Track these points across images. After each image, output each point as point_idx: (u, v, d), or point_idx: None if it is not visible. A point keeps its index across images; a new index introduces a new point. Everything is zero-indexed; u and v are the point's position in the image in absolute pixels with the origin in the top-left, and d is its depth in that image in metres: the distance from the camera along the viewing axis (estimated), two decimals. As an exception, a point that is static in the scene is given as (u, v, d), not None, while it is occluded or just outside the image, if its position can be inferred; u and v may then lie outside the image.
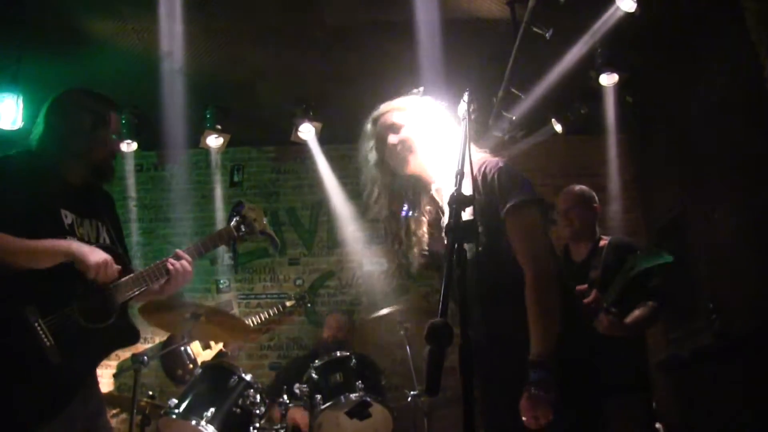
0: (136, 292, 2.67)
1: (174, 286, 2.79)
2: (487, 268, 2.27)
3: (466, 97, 2.21)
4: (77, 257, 2.43)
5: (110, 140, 2.74)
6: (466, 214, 1.86)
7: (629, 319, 3.40)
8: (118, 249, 2.76)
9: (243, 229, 3.17)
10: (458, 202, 1.83)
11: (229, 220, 3.19)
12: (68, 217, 2.61)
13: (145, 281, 2.69)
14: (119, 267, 2.57)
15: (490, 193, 2.35)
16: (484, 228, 2.25)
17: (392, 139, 2.62)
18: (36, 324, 2.37)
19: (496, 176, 2.36)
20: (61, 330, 2.42)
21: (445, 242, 1.79)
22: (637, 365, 3.54)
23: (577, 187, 3.92)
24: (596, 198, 3.91)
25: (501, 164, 2.42)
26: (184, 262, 2.79)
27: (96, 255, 2.47)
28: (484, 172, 2.39)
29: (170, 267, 2.74)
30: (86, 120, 2.67)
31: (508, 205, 2.28)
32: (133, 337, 2.70)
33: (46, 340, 2.37)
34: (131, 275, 2.67)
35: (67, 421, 2.47)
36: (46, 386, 2.39)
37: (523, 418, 2.11)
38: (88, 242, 2.61)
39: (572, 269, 3.74)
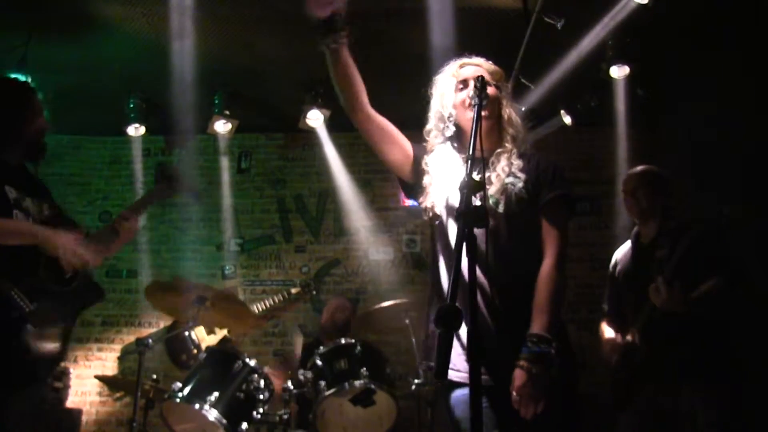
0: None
1: (122, 240, 3.09)
2: (519, 255, 2.33)
3: (478, 82, 2.20)
4: (46, 243, 2.66)
5: (35, 119, 2.94)
6: (476, 200, 1.85)
7: (696, 293, 3.23)
8: (65, 214, 3.05)
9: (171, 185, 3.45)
10: (469, 187, 1.82)
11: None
12: (12, 192, 2.77)
13: (100, 242, 2.96)
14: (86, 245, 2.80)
15: (537, 178, 2.43)
16: (521, 213, 2.34)
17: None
18: (12, 292, 2.56)
19: (551, 167, 2.49)
20: (36, 294, 2.63)
21: (456, 228, 1.77)
22: (718, 350, 3.30)
23: (642, 167, 3.81)
24: (665, 177, 3.75)
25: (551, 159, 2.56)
26: (132, 221, 3.11)
27: (62, 238, 2.70)
28: (538, 159, 2.51)
29: (117, 226, 3.05)
30: (14, 103, 2.89)
31: (557, 193, 2.41)
32: (99, 295, 3.04)
33: (24, 305, 2.57)
34: (86, 240, 2.90)
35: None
36: (31, 349, 2.58)
37: (517, 398, 2.12)
38: (29, 218, 2.81)
39: (640, 251, 3.65)
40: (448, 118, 2.52)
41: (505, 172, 2.41)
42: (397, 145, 2.55)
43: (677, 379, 3.32)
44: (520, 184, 2.39)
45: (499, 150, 2.48)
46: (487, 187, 2.29)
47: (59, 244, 2.65)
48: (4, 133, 2.83)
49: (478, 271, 1.88)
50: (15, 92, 2.96)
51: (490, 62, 2.68)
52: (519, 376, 2.12)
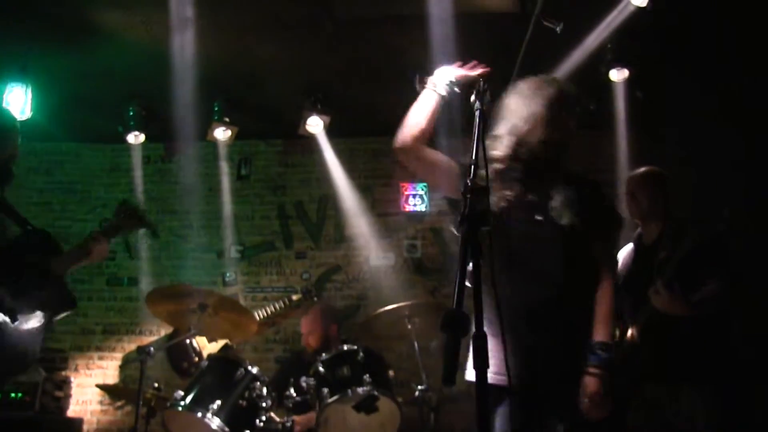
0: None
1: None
2: (577, 274, 2.40)
3: (480, 87, 2.20)
4: None
5: (9, 147, 3.10)
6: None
7: (696, 297, 3.27)
8: (35, 228, 3.14)
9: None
10: (473, 192, 1.81)
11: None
12: None
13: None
14: None
15: (599, 206, 2.55)
16: (579, 228, 2.41)
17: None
18: None
19: (608, 196, 2.67)
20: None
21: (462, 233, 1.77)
22: (717, 351, 3.33)
23: (644, 169, 3.87)
24: (666, 178, 3.80)
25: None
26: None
27: None
28: (598, 186, 2.63)
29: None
30: None
31: (618, 220, 2.63)
32: (70, 303, 3.11)
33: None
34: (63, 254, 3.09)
35: None
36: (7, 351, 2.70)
37: (589, 404, 2.23)
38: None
39: (643, 252, 3.68)
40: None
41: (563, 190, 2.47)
42: (443, 170, 2.61)
43: (677, 380, 3.33)
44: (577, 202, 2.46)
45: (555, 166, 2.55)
46: (552, 203, 2.41)
47: None
48: None
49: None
50: None
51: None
52: (592, 383, 2.24)
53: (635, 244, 3.79)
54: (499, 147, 2.52)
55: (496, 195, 2.40)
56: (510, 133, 2.53)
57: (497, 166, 2.46)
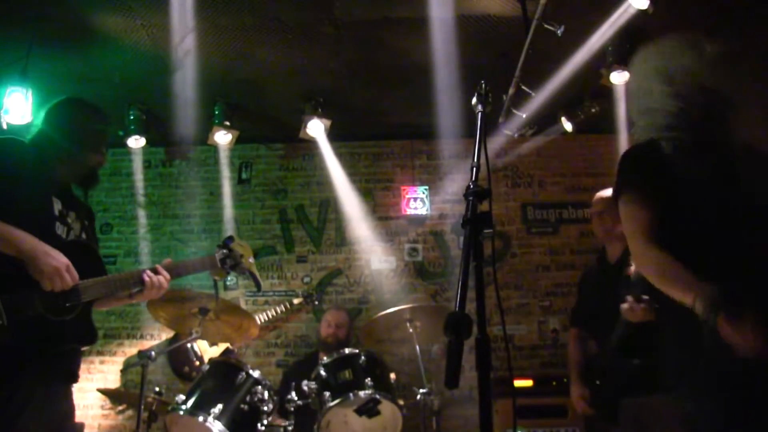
0: (104, 295, 2.76)
1: (145, 296, 2.89)
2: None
3: (481, 88, 2.18)
4: (27, 260, 2.43)
5: (102, 151, 2.92)
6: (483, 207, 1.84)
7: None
8: (94, 245, 2.87)
9: (228, 263, 3.22)
10: (475, 194, 1.81)
11: (217, 250, 3.25)
12: (58, 204, 2.72)
13: (115, 286, 2.78)
14: (76, 275, 2.56)
15: None
16: None
17: None
18: None
19: None
20: (18, 311, 2.42)
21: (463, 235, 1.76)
22: (681, 362, 3.42)
23: (609, 191, 3.93)
24: None
25: None
26: (161, 277, 2.88)
27: (52, 260, 2.46)
28: None
29: (146, 278, 2.83)
30: (89, 130, 2.88)
31: None
32: (91, 338, 2.77)
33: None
34: (102, 277, 2.73)
35: (53, 420, 2.56)
36: None
37: None
38: (71, 232, 2.73)
39: (607, 270, 3.72)
40: None
41: None
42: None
43: (656, 390, 3.35)
44: None
45: None
46: None
47: (42, 263, 2.43)
48: (68, 154, 2.81)
49: None
50: (96, 121, 2.96)
51: None
52: None
53: (599, 262, 3.87)
54: None
55: None
56: None
57: None
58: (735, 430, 2.37)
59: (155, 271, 2.88)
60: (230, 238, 3.32)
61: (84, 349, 2.92)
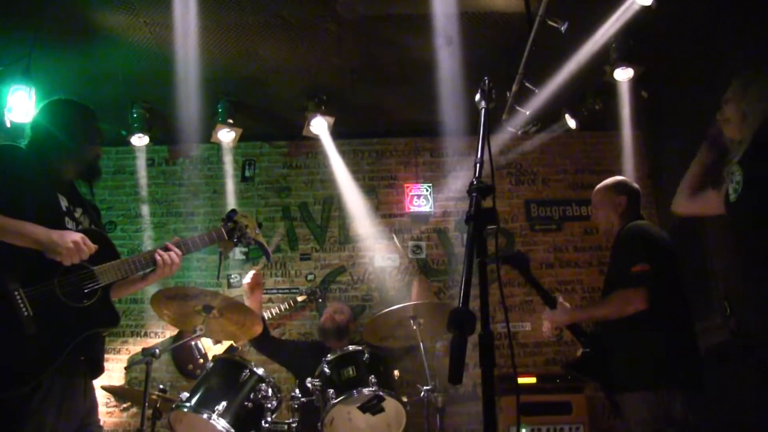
0: (120, 277, 2.84)
1: (158, 275, 3.00)
2: None
3: (484, 85, 2.18)
4: (46, 246, 2.55)
5: (98, 143, 3.05)
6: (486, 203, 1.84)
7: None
8: (105, 232, 2.99)
9: (235, 234, 3.32)
10: (478, 190, 1.81)
11: (222, 224, 3.34)
12: (64, 201, 2.83)
13: (130, 268, 2.87)
14: (95, 246, 2.69)
15: None
16: None
17: None
18: (15, 293, 2.50)
19: None
20: (41, 302, 2.55)
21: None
22: (642, 362, 3.40)
23: (596, 187, 4.05)
24: (616, 189, 3.93)
25: None
26: (172, 254, 2.99)
27: (66, 238, 2.59)
28: None
29: (158, 258, 2.95)
30: (80, 124, 2.99)
31: None
32: (113, 320, 2.86)
33: (24, 309, 2.50)
34: (117, 260, 2.84)
35: (72, 414, 2.67)
36: (20, 354, 2.49)
37: None
38: (80, 226, 2.84)
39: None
40: None
41: None
42: None
43: (619, 389, 3.46)
44: None
45: None
46: None
47: (62, 248, 2.55)
48: (67, 151, 2.92)
49: None
50: (87, 118, 3.06)
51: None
52: None
53: None
54: None
55: None
56: None
57: None
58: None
59: (166, 249, 2.99)
60: (233, 211, 3.42)
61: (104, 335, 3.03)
